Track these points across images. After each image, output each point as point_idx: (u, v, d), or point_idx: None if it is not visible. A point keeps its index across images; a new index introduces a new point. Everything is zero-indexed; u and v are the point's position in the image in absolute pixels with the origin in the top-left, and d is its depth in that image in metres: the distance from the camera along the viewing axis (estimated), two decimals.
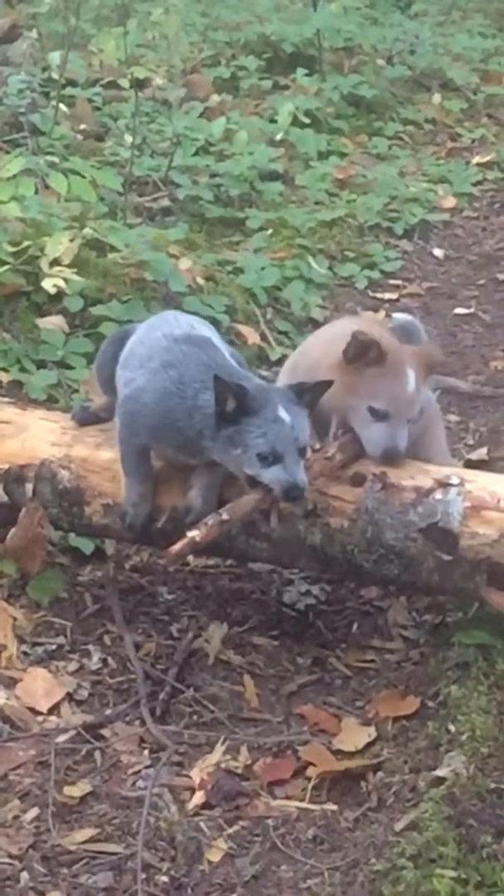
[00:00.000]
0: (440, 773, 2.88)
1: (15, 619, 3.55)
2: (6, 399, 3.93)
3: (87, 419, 3.67)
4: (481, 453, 4.47)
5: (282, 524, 3.34)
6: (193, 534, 3.17)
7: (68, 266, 4.84)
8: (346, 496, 3.29)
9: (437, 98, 8.83)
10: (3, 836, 2.90)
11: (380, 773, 3.04)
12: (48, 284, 4.75)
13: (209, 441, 3.24)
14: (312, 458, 3.27)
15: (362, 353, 3.30)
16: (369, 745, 3.15)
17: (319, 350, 3.53)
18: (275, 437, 3.13)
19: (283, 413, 3.15)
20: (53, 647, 3.53)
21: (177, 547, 3.20)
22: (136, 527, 3.44)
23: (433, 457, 3.47)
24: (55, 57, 7.19)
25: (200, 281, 5.38)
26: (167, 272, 5.16)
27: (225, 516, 3.19)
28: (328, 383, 3.27)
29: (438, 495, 3.22)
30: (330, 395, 3.30)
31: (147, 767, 3.12)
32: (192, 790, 3.05)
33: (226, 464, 3.26)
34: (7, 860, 2.83)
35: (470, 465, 4.28)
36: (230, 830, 2.94)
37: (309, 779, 3.06)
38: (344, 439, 3.33)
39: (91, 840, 2.91)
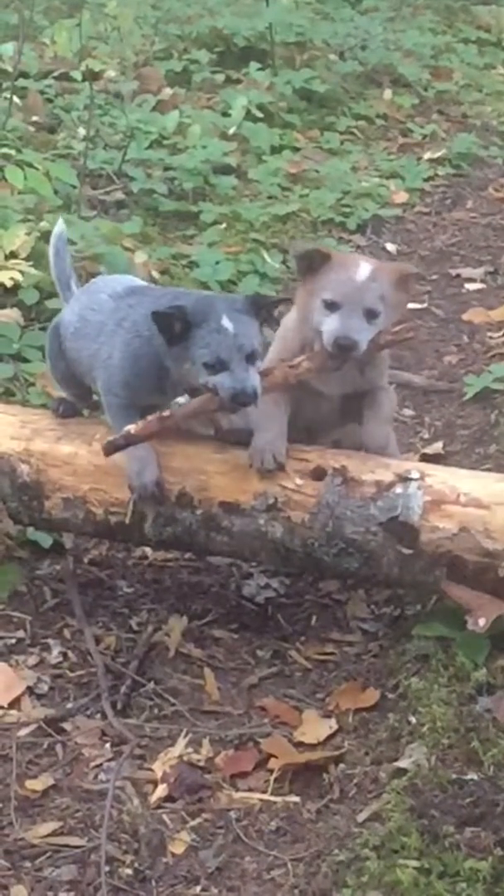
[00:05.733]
0: (401, 764, 2.90)
1: None
2: None
3: (69, 411, 3.68)
4: (436, 447, 4.51)
5: (242, 519, 3.36)
6: (129, 427, 3.25)
7: (24, 259, 4.83)
8: (306, 490, 3.32)
9: (388, 94, 8.85)
10: None
11: (341, 765, 3.06)
12: (4, 277, 4.75)
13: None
14: (276, 366, 3.31)
15: (308, 262, 3.38)
16: (330, 737, 3.18)
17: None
18: (218, 346, 3.19)
19: (226, 322, 3.21)
20: (13, 641, 3.53)
21: (111, 437, 3.28)
22: (146, 495, 3.38)
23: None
24: (7, 48, 7.15)
25: (156, 274, 5.38)
26: (123, 266, 5.15)
27: (166, 413, 3.26)
28: (285, 299, 3.36)
29: (399, 489, 3.25)
30: (300, 314, 3.38)
31: (109, 761, 3.14)
32: (155, 783, 3.06)
33: (185, 380, 3.29)
34: None
35: (425, 458, 4.31)
36: (193, 823, 2.95)
37: (271, 771, 3.08)
38: (315, 351, 3.36)
39: (54, 833, 2.92)
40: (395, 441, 3.70)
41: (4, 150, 5.94)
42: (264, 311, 3.32)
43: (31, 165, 5.61)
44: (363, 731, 3.16)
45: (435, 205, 7.33)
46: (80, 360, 3.57)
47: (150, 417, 3.25)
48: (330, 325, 3.30)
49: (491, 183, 7.68)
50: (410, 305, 5.85)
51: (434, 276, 6.30)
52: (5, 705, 3.29)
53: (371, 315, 3.32)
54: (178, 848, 2.88)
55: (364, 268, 3.36)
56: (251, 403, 3.22)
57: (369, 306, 3.31)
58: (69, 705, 3.32)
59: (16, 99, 6.90)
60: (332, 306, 3.31)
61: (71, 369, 3.64)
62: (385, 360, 3.61)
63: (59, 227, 3.93)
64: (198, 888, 2.77)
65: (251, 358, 3.21)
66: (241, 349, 3.19)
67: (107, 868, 2.78)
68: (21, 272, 4.78)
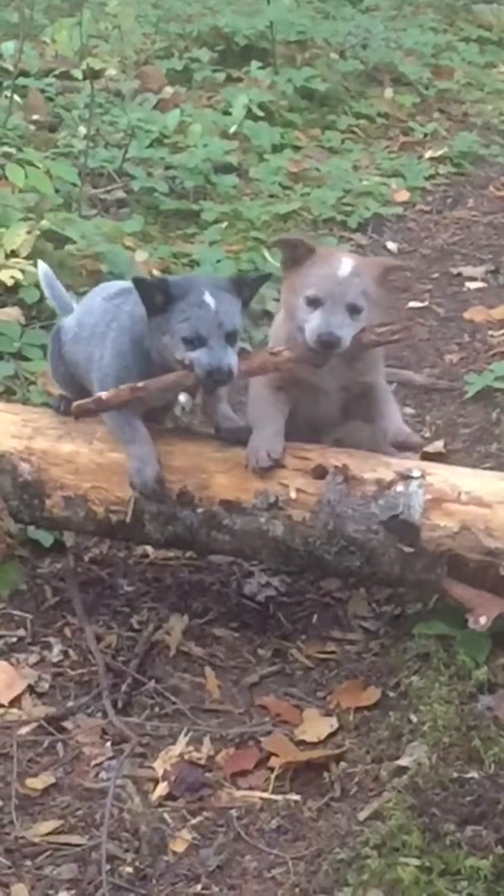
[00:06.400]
0: (403, 762, 2.90)
1: None
2: None
3: (70, 408, 3.66)
4: (437, 446, 4.49)
5: (243, 517, 3.36)
6: (101, 393, 3.29)
7: (25, 258, 4.83)
8: (307, 489, 3.31)
9: (389, 92, 8.84)
10: None
11: (342, 764, 3.05)
12: (5, 276, 4.75)
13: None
14: (256, 352, 3.32)
15: (292, 252, 3.39)
16: (331, 735, 3.17)
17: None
18: (198, 321, 3.19)
19: (207, 298, 3.20)
20: (14, 639, 3.53)
21: (82, 401, 3.33)
22: (147, 492, 3.38)
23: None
24: (8, 47, 7.15)
25: (156, 273, 5.37)
26: (124, 264, 5.16)
27: (140, 384, 3.26)
28: (266, 276, 3.39)
29: (400, 488, 3.25)
30: (285, 311, 3.41)
31: (110, 759, 3.13)
32: (156, 781, 3.06)
33: (161, 355, 3.29)
34: None
35: (426, 457, 4.30)
36: (194, 821, 2.95)
37: (272, 769, 3.07)
38: (297, 342, 3.36)
39: (55, 832, 2.92)
40: None
41: (5, 148, 5.95)
42: (247, 289, 3.32)
43: (31, 164, 5.61)
44: (364, 730, 3.16)
45: (436, 203, 7.32)
46: (77, 363, 3.59)
47: (122, 386, 3.27)
48: (313, 323, 3.30)
49: (492, 181, 7.67)
50: (412, 304, 5.90)
51: (435, 275, 6.29)
52: (6, 704, 3.29)
53: (354, 310, 3.31)
54: (178, 846, 2.87)
55: (346, 263, 3.36)
56: (226, 382, 3.22)
57: (352, 301, 3.31)
58: (70, 704, 3.32)
59: (17, 97, 6.90)
60: (314, 303, 3.31)
61: (71, 372, 3.65)
62: (378, 355, 3.59)
63: (42, 267, 3.96)
64: (198, 886, 2.77)
65: (231, 337, 3.21)
66: (220, 326, 3.19)
67: (107, 866, 2.78)
68: (22, 271, 4.78)
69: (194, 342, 3.19)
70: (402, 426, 3.51)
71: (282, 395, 3.46)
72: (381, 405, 3.52)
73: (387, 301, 3.49)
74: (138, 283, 3.27)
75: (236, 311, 3.25)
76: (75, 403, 3.36)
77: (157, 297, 3.22)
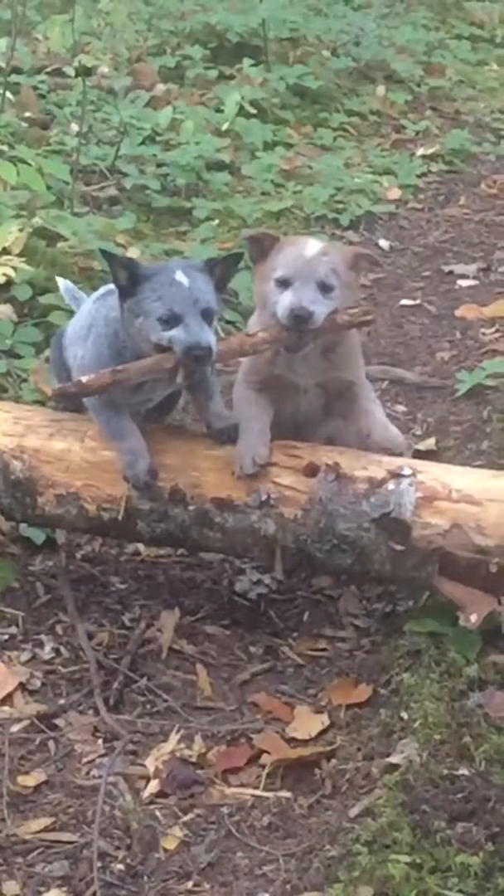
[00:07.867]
0: (393, 759, 2.90)
1: None
2: None
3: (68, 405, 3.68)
4: (429, 443, 4.50)
5: (234, 515, 3.36)
6: (83, 377, 3.29)
7: (17, 255, 4.83)
8: (299, 486, 3.32)
9: (381, 90, 8.86)
10: None
11: (333, 761, 3.06)
12: None
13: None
14: (232, 335, 3.33)
15: (258, 246, 3.41)
16: (322, 732, 3.18)
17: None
18: (172, 300, 3.16)
19: (180, 276, 3.19)
20: (5, 637, 3.53)
21: (62, 385, 3.37)
22: (140, 485, 3.37)
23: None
24: (0, 44, 7.13)
25: None
26: None
27: (120, 367, 3.26)
28: (238, 255, 3.40)
29: (391, 486, 3.25)
30: (258, 301, 3.43)
31: (101, 756, 3.14)
32: (147, 779, 3.06)
33: (138, 344, 3.27)
34: None
35: (418, 455, 4.30)
36: (185, 818, 2.95)
37: (263, 766, 3.08)
38: (271, 326, 3.37)
39: (46, 829, 2.92)
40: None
41: None
42: (219, 269, 3.31)
43: (24, 161, 5.59)
44: (355, 727, 3.16)
45: (428, 201, 7.34)
46: (72, 367, 3.58)
47: (102, 371, 3.27)
48: (284, 300, 3.30)
49: (483, 179, 7.69)
50: (403, 302, 5.90)
51: (427, 273, 6.30)
52: None
53: (325, 288, 3.31)
54: (170, 843, 2.88)
55: (313, 244, 3.39)
56: (207, 360, 3.19)
57: (322, 279, 3.31)
58: (62, 701, 3.32)
59: (9, 94, 6.89)
60: (284, 283, 3.32)
61: (70, 377, 3.63)
62: (355, 349, 3.58)
63: (63, 283, 4.04)
64: (189, 883, 2.77)
65: (206, 314, 3.19)
66: (196, 303, 3.17)
67: (99, 863, 2.78)
68: (14, 268, 4.78)
69: (170, 321, 3.17)
70: (388, 428, 3.51)
71: (264, 396, 3.47)
72: (361, 402, 3.52)
73: (357, 287, 3.48)
74: (106, 255, 3.25)
75: (210, 290, 3.24)
76: (56, 386, 3.37)
77: (121, 272, 3.20)
